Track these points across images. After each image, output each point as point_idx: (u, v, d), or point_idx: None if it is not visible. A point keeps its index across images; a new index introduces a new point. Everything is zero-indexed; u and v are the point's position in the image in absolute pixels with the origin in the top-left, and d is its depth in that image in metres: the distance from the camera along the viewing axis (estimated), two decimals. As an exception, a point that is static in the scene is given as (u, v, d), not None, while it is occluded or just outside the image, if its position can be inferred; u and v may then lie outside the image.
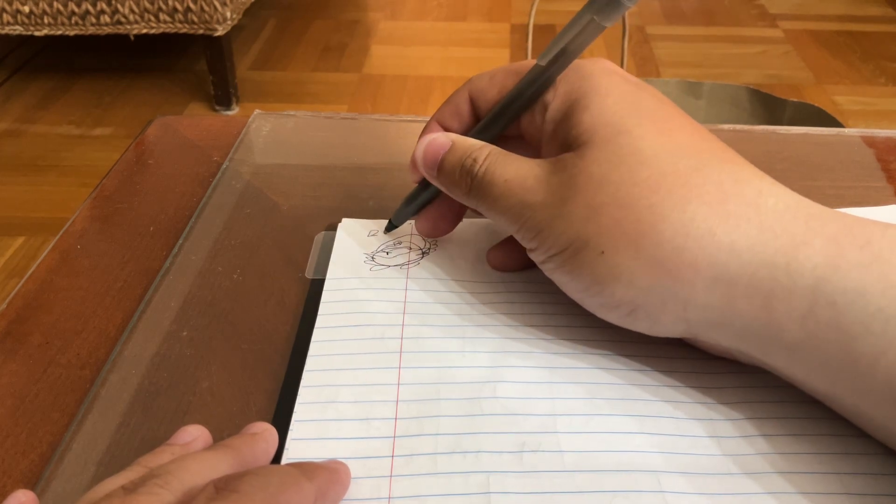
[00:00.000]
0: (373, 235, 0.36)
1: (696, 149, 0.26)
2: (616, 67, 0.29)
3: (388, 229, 0.35)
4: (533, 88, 0.29)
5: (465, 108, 0.32)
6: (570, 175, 0.26)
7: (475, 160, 0.29)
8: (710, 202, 0.25)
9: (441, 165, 0.31)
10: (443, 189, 0.31)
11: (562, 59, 0.28)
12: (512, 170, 0.28)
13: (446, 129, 0.32)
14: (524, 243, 0.29)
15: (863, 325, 0.22)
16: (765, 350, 0.25)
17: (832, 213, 0.25)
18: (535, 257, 0.28)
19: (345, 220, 0.36)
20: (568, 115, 0.28)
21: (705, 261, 0.24)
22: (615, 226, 0.25)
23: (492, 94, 0.31)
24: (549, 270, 0.28)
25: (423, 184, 0.33)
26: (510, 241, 0.33)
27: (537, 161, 0.28)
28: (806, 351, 0.24)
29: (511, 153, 0.29)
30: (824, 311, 0.23)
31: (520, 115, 0.30)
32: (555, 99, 0.28)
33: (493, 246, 0.33)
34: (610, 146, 0.26)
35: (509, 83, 0.30)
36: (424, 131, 0.32)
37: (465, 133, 0.31)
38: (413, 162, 0.32)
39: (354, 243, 0.35)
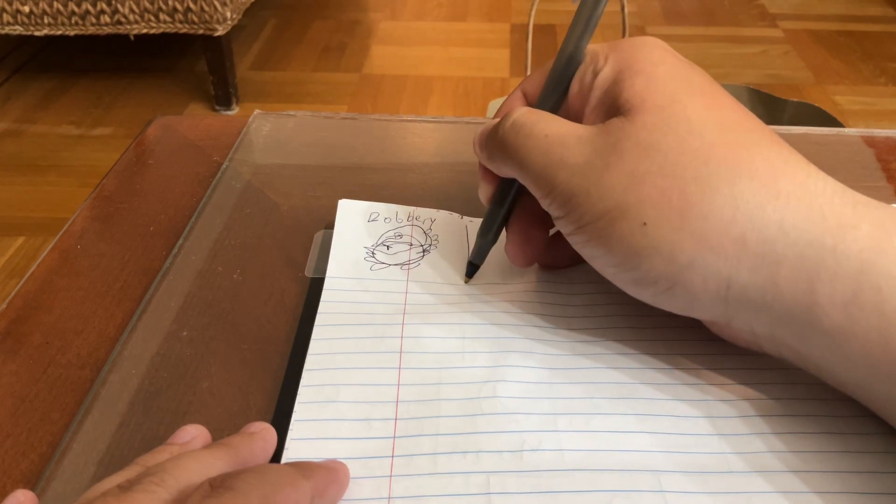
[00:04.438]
0: (373, 221, 0.36)
1: (745, 126, 0.26)
2: (666, 45, 0.29)
3: (470, 273, 0.32)
4: (575, 39, 0.28)
5: (518, 105, 0.31)
6: (616, 139, 0.26)
7: (510, 113, 0.29)
8: (760, 178, 0.24)
9: (483, 131, 0.30)
10: (481, 155, 0.30)
11: (595, 4, 0.28)
12: (554, 126, 0.27)
13: None
14: (552, 209, 0.27)
15: None
16: (803, 336, 0.24)
17: (876, 203, 0.24)
18: (564, 226, 0.27)
19: (343, 201, 0.36)
20: (618, 81, 0.27)
21: (753, 237, 0.24)
22: (660, 195, 0.24)
23: (541, 83, 0.30)
24: (580, 242, 0.27)
25: (491, 207, 0.32)
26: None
27: (581, 125, 0.27)
28: (845, 337, 0.23)
29: (555, 115, 0.28)
30: (868, 296, 0.23)
31: (569, 84, 0.29)
32: (606, 65, 0.28)
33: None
34: (661, 113, 0.25)
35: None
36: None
37: None
38: (476, 153, 0.31)
39: (355, 233, 0.35)
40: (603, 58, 0.28)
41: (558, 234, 0.31)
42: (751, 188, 0.24)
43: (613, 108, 0.27)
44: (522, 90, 0.31)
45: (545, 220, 0.31)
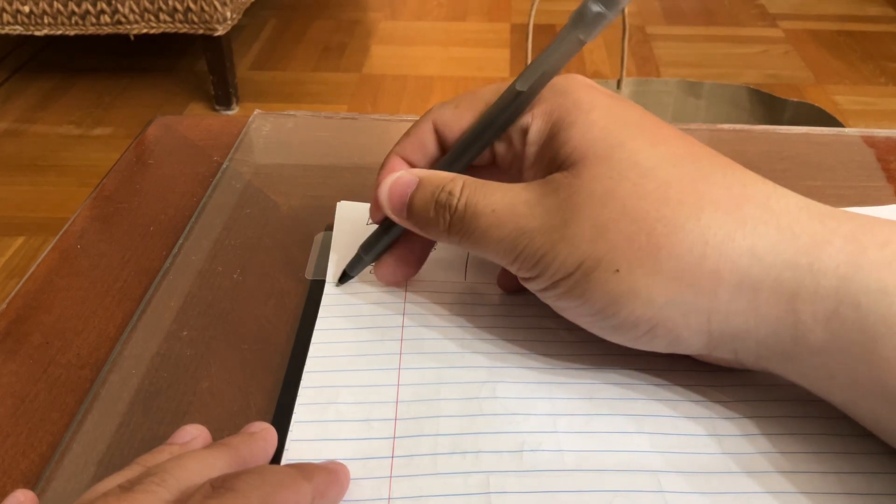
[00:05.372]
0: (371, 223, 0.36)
1: (693, 156, 0.26)
2: (591, 81, 0.28)
3: (342, 281, 0.32)
4: (508, 113, 0.27)
5: (429, 139, 0.30)
6: (567, 195, 0.25)
7: (451, 193, 0.27)
8: (723, 208, 0.24)
9: (411, 205, 0.28)
10: (416, 230, 0.29)
11: (541, 80, 0.27)
12: (497, 197, 0.26)
13: (410, 165, 0.30)
14: (521, 273, 0.27)
15: (886, 325, 0.22)
16: (787, 356, 0.24)
17: (843, 213, 0.24)
18: (535, 286, 0.27)
19: (342, 203, 0.37)
20: (552, 136, 0.26)
21: (727, 268, 0.24)
22: (627, 242, 0.24)
23: (459, 123, 0.29)
24: (553, 297, 0.27)
25: (384, 227, 0.31)
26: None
27: (522, 185, 0.27)
28: (829, 354, 0.23)
29: (489, 181, 0.27)
30: (849, 312, 0.22)
31: (493, 141, 0.28)
32: (534, 120, 0.27)
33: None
34: (607, 161, 0.25)
35: (477, 110, 0.29)
36: (384, 168, 0.30)
37: (431, 167, 0.30)
38: (376, 202, 0.30)
39: (354, 234, 0.35)
40: (528, 113, 0.27)
41: None
42: (716, 220, 0.24)
43: (554, 163, 0.26)
44: (434, 123, 0.29)
45: (425, 252, 0.31)
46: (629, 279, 0.24)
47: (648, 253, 0.24)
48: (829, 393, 0.24)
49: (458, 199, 0.27)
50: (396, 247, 0.31)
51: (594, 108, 0.26)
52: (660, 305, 0.24)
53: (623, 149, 0.25)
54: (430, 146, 0.30)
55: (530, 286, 0.27)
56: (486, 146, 0.29)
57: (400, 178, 0.29)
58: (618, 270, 0.24)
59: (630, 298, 0.24)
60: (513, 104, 0.27)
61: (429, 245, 0.32)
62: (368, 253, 0.32)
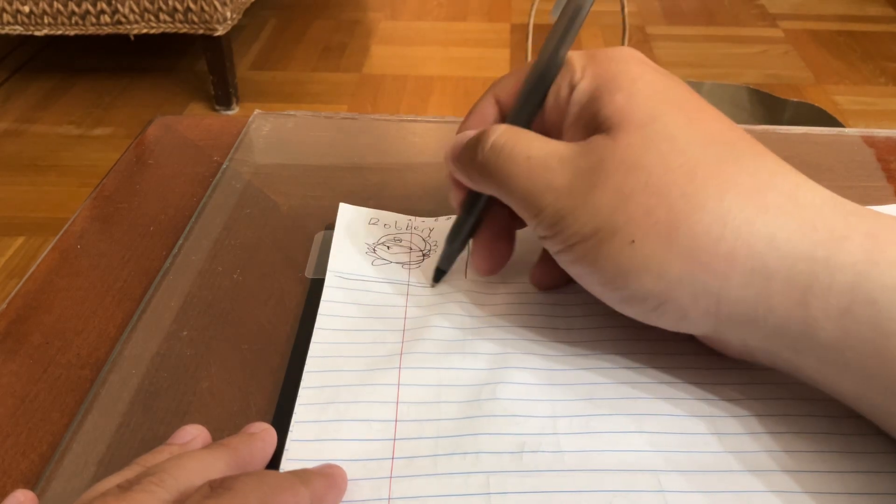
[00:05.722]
0: (374, 224, 0.36)
1: (728, 139, 0.26)
2: (644, 56, 0.28)
3: (437, 278, 0.32)
4: (550, 53, 0.28)
5: (490, 112, 0.31)
6: (599, 158, 0.25)
7: (489, 133, 0.28)
8: (747, 193, 0.24)
9: (456, 144, 0.30)
10: (456, 171, 0.30)
11: (574, 15, 0.27)
12: (535, 147, 0.27)
13: None
14: (539, 230, 0.27)
15: None
16: (796, 349, 0.24)
17: (867, 210, 0.24)
18: (551, 246, 0.27)
19: (344, 206, 0.37)
20: (596, 97, 0.27)
21: (743, 252, 0.23)
22: (646, 214, 0.24)
23: (515, 87, 0.30)
24: (567, 261, 0.27)
25: (465, 210, 0.31)
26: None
27: (562, 142, 0.27)
28: (840, 350, 0.23)
29: (533, 132, 0.28)
30: (863, 309, 0.22)
31: (545, 95, 0.29)
32: (583, 79, 0.27)
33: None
34: (642, 131, 0.25)
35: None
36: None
37: None
38: (449, 167, 0.30)
39: (355, 232, 0.35)
40: (580, 70, 0.28)
41: (546, 255, 0.31)
42: (738, 203, 0.24)
43: (593, 124, 0.26)
44: (495, 96, 0.31)
45: (513, 231, 0.31)
46: (643, 252, 0.24)
47: (666, 227, 0.24)
48: (839, 387, 0.24)
49: (497, 139, 0.28)
50: (483, 233, 0.31)
51: (640, 78, 0.27)
52: (670, 282, 0.24)
53: (659, 121, 0.25)
54: (492, 117, 0.31)
55: (547, 244, 0.27)
56: (539, 101, 0.29)
57: (462, 135, 0.30)
58: (633, 242, 0.24)
59: (642, 271, 0.24)
60: (552, 49, 0.28)
61: (512, 225, 0.32)
62: (455, 241, 0.31)
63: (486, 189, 0.29)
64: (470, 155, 0.29)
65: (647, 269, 0.24)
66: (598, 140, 0.26)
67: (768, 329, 0.24)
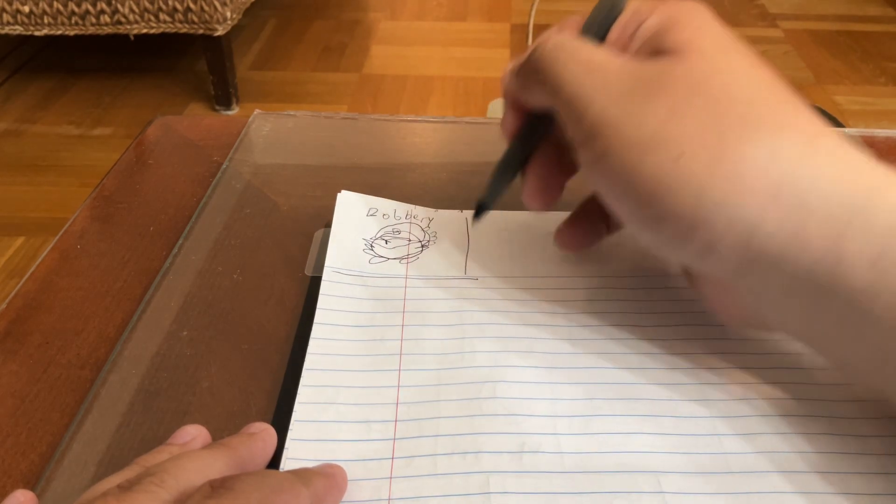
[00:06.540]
0: (372, 215, 0.36)
1: (785, 91, 0.26)
2: (713, 14, 0.28)
3: (478, 214, 0.31)
4: None
5: None
6: (660, 72, 0.25)
7: (551, 34, 0.28)
8: (802, 133, 0.24)
9: (521, 60, 0.29)
10: (515, 82, 0.30)
11: None
12: (597, 53, 0.27)
13: None
14: (578, 133, 0.26)
15: None
16: (819, 300, 0.23)
17: None
18: (590, 153, 0.26)
19: (343, 193, 0.37)
20: (664, 31, 0.27)
21: (787, 188, 0.23)
22: (699, 132, 0.24)
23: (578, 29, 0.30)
24: (600, 170, 0.26)
25: (518, 139, 0.30)
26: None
27: (624, 56, 0.27)
28: (869, 298, 0.22)
29: (598, 45, 0.28)
30: None
31: (611, 25, 0.29)
32: (651, 16, 0.27)
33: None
34: (709, 59, 0.25)
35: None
36: None
37: None
38: (506, 83, 0.30)
39: (353, 225, 0.35)
40: (648, 10, 0.28)
41: (579, 214, 0.31)
42: (791, 139, 0.24)
43: (658, 51, 0.26)
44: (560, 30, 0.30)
45: (566, 165, 0.31)
46: (688, 168, 0.24)
47: (716, 149, 0.24)
48: (855, 351, 0.24)
49: (560, 39, 0.28)
50: (535, 165, 0.31)
51: (709, 22, 0.27)
52: (708, 203, 0.24)
53: (725, 56, 0.26)
54: None
55: (584, 153, 0.26)
56: (602, 30, 0.29)
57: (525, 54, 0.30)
58: (679, 157, 0.24)
59: (682, 188, 0.24)
60: None
61: (567, 165, 0.31)
62: (503, 174, 0.30)
63: (538, 91, 0.28)
64: (530, 58, 0.28)
65: (688, 186, 0.24)
66: (662, 58, 0.26)
67: (795, 273, 0.23)
